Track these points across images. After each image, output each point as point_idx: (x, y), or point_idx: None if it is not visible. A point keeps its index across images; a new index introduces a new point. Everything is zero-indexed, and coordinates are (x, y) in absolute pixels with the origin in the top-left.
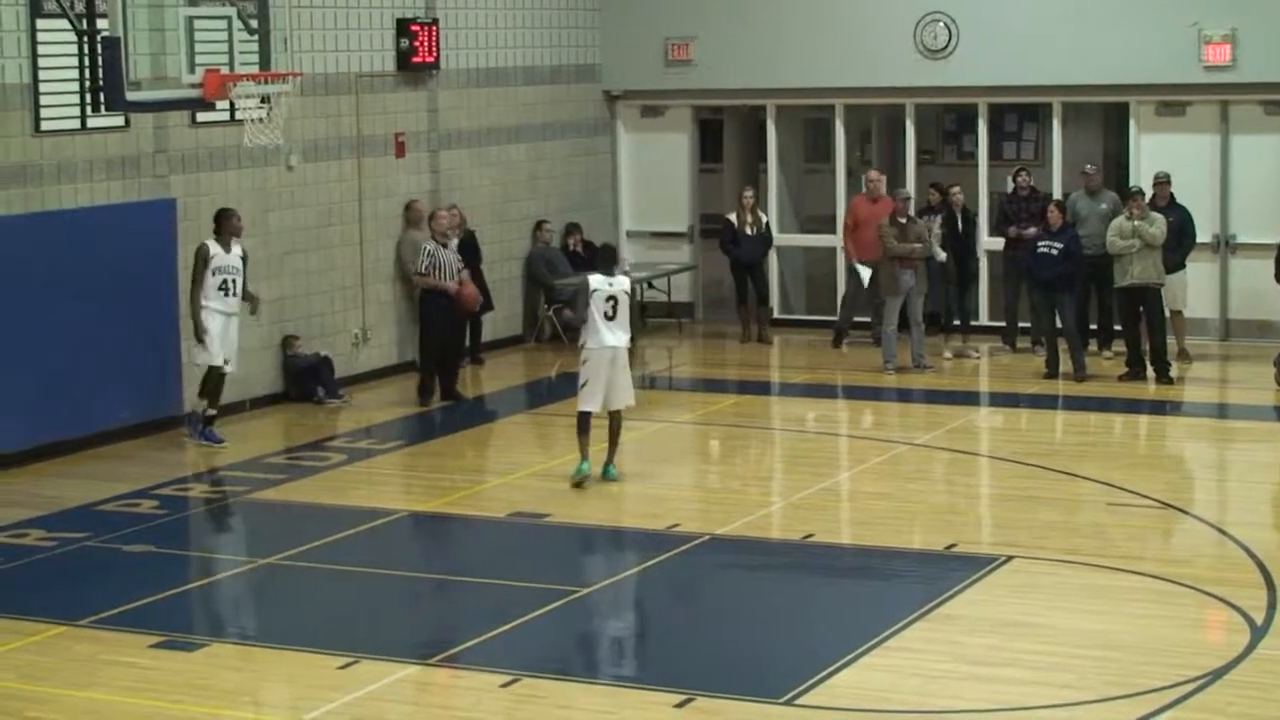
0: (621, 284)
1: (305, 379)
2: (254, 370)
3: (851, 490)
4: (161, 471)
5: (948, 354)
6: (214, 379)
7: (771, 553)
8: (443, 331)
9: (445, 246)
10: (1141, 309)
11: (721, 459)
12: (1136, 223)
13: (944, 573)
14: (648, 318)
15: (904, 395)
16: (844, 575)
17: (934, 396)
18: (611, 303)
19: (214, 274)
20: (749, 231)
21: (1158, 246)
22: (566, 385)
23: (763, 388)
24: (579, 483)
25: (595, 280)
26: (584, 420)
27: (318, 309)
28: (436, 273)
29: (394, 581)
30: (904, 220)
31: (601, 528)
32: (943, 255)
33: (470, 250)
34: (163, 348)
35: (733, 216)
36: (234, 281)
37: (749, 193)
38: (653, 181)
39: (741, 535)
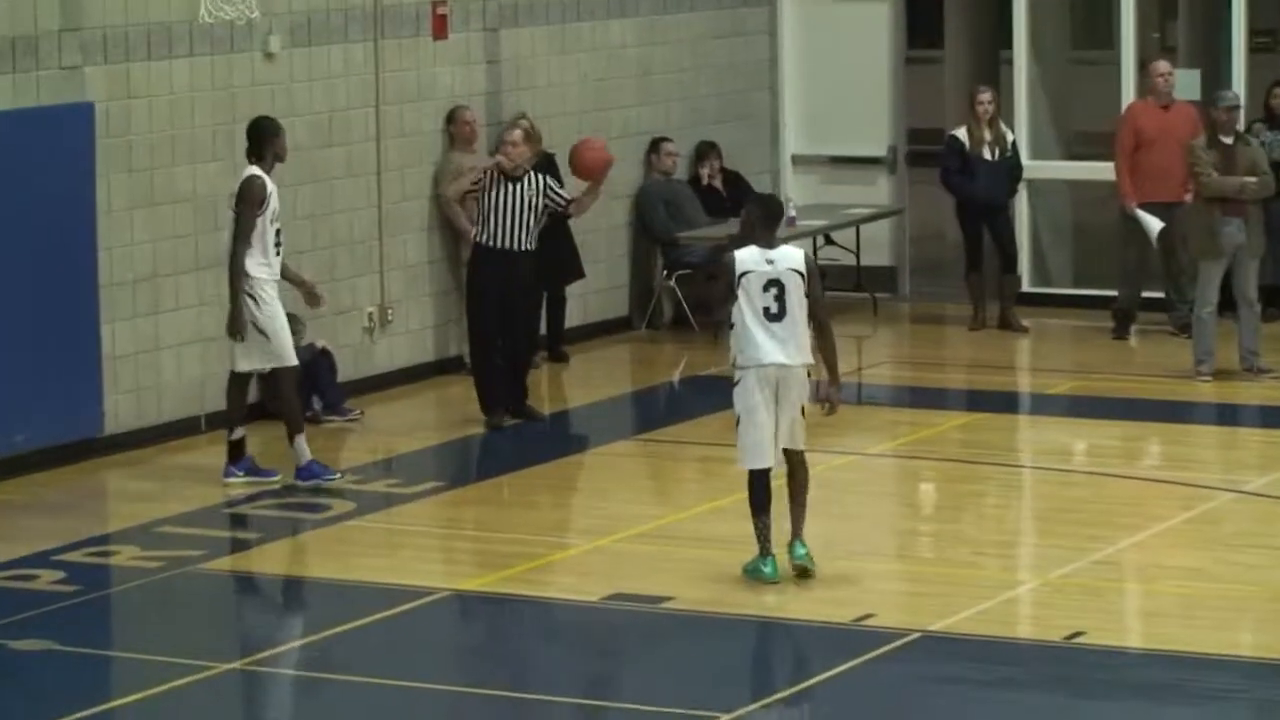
0: (790, 259)
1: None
2: (213, 370)
3: (1143, 564)
4: (71, 525)
5: None
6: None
7: (1018, 660)
8: (500, 309)
9: (514, 181)
10: None
11: (939, 513)
12: None
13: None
14: (824, 290)
15: (1226, 414)
16: (1132, 695)
17: (1275, 417)
18: (774, 291)
19: (271, 221)
20: (987, 156)
21: None
22: (696, 394)
23: (1005, 401)
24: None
25: (746, 257)
26: (755, 485)
27: (311, 275)
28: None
29: (427, 701)
30: (1228, 140)
31: (751, 619)
32: None
33: None
34: (77, 337)
35: (961, 133)
36: (282, 233)
37: (987, 95)
38: (834, 78)
39: (970, 633)
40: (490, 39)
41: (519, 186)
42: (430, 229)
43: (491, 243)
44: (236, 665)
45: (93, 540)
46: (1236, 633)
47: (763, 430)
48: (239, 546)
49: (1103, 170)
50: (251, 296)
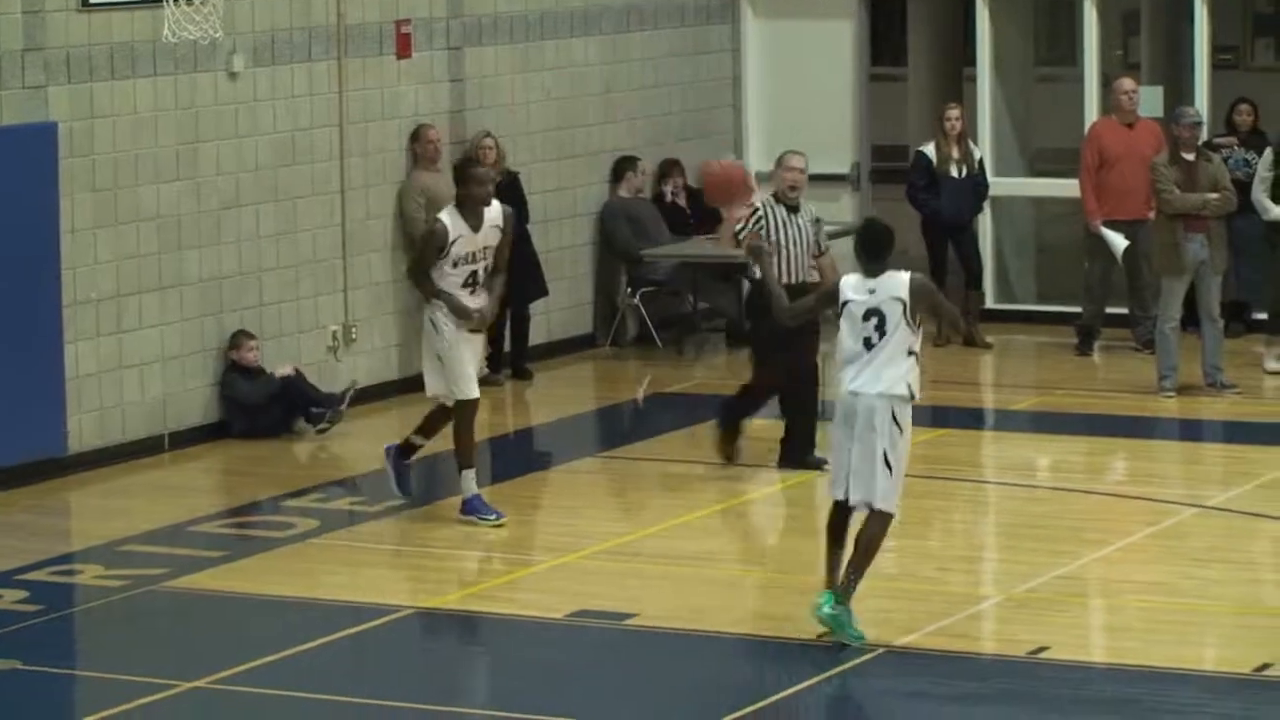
0: (891, 287)
1: (265, 408)
2: (176, 390)
3: (1107, 578)
4: (35, 544)
5: (1271, 363)
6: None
7: (982, 675)
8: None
9: (794, 210)
10: None
11: (904, 528)
12: None
13: (1253, 709)
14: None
15: (1190, 429)
16: (1096, 710)
17: (1238, 432)
18: (875, 320)
19: (455, 265)
20: (954, 173)
21: None
22: (660, 411)
23: (970, 417)
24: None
25: (849, 284)
26: (833, 517)
27: (274, 294)
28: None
29: (392, 719)
30: (1191, 157)
31: (717, 636)
32: (1276, 211)
33: (512, 201)
34: (40, 357)
35: (929, 149)
36: (480, 272)
37: (955, 112)
38: (797, 95)
39: (935, 649)
40: (454, 58)
41: (798, 216)
42: (394, 247)
43: (787, 279)
44: (200, 683)
45: (56, 559)
46: (1200, 648)
47: (838, 461)
48: (203, 565)
49: (1066, 187)
50: (433, 323)
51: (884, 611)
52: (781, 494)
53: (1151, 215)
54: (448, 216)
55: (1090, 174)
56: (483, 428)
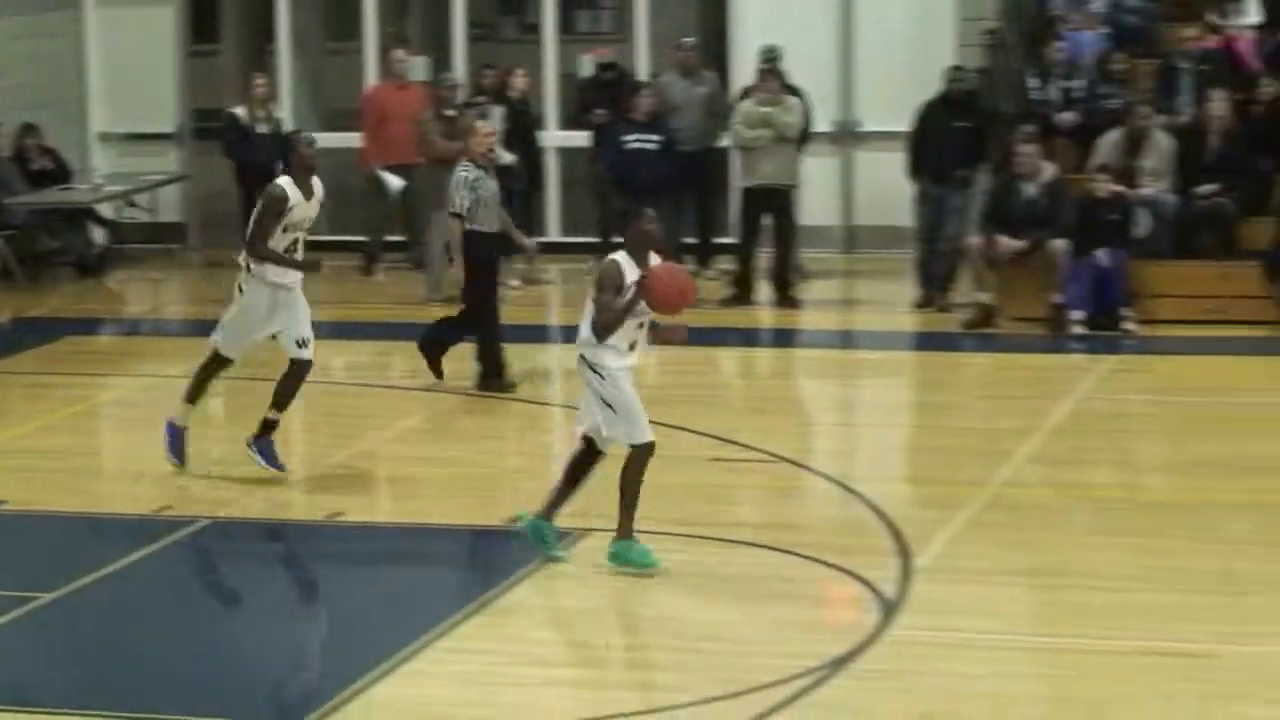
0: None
1: None
2: None
3: (394, 455)
4: None
5: (514, 281)
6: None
7: (289, 538)
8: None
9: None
10: (766, 216)
11: (227, 420)
12: (767, 109)
13: (505, 553)
14: (125, 244)
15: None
16: (381, 562)
17: (521, 334)
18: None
19: (285, 231)
20: (262, 129)
21: (792, 139)
22: (23, 333)
23: None
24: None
25: (625, 260)
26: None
27: None
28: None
29: None
30: (451, 113)
31: (68, 515)
32: (509, 157)
33: None
34: None
35: (239, 111)
36: (301, 240)
37: (261, 80)
38: (130, 69)
39: (252, 518)
40: None
41: (488, 174)
42: None
43: (487, 228)
44: None
45: None
46: (464, 506)
47: None
48: None
49: (353, 139)
50: (240, 288)
51: (209, 491)
52: (130, 395)
53: (420, 160)
54: (286, 184)
55: (370, 128)
56: None
